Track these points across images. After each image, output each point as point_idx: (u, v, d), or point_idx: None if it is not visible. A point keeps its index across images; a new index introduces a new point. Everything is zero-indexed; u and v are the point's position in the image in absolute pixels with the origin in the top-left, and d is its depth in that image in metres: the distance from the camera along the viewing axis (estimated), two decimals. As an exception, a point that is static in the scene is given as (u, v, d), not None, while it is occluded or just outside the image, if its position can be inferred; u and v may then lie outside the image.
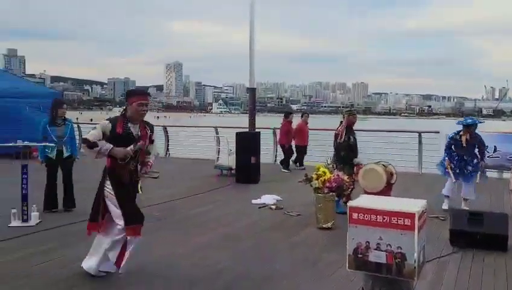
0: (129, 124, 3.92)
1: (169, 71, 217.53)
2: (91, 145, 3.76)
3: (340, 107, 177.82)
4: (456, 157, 6.87)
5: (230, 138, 10.63)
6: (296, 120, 12.09)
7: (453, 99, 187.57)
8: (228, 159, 10.20)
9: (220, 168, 10.39)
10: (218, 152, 11.57)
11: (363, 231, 2.80)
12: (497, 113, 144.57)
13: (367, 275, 2.86)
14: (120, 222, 3.86)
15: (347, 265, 2.85)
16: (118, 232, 3.90)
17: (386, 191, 6.70)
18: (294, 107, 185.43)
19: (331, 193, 5.66)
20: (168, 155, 14.19)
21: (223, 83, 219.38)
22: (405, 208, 2.76)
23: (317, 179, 5.82)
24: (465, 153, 6.83)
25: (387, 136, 13.61)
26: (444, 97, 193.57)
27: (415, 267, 2.65)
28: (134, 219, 3.91)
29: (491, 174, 10.57)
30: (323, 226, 5.63)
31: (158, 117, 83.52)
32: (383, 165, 6.98)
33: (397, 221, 2.71)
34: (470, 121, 6.96)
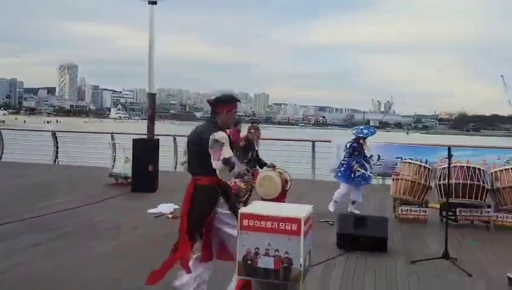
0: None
1: (63, 73, 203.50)
2: (234, 165, 3.29)
3: (243, 116, 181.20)
4: (357, 164, 7.28)
5: (127, 145, 10.22)
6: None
7: (345, 111, 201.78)
8: (124, 167, 9.78)
9: (115, 176, 9.91)
10: (114, 160, 11.05)
11: (253, 237, 2.83)
12: (383, 125, 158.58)
13: (257, 282, 2.90)
14: None
15: (237, 272, 2.86)
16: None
17: (281, 197, 6.94)
18: (197, 114, 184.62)
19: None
20: (56, 163, 13.19)
21: (123, 87, 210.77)
22: (292, 213, 2.85)
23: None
24: (362, 160, 7.33)
25: (285, 145, 14.15)
26: (337, 109, 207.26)
27: (300, 272, 2.75)
28: None
29: (375, 180, 11.54)
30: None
31: (49, 122, 77.60)
32: (279, 172, 7.22)
33: (284, 226, 2.79)
34: (367, 132, 7.48)
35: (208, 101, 3.59)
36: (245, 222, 2.84)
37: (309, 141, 12.42)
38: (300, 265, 2.75)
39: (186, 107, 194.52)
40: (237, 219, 3.03)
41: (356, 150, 7.34)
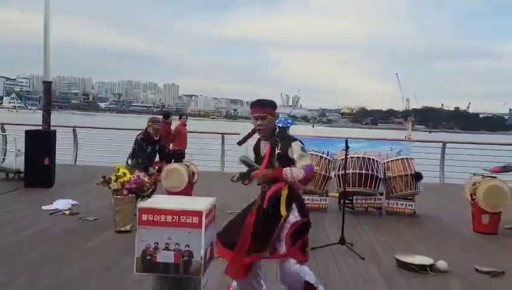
0: (261, 142, 3.43)
1: None
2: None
3: (151, 107, 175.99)
4: None
5: (19, 137, 9.40)
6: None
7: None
8: (16, 160, 9.00)
9: (6, 171, 9.08)
10: (4, 153, 10.11)
11: (152, 232, 2.75)
12: (291, 118, 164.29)
13: (156, 277, 2.83)
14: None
15: (135, 268, 2.76)
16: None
17: (188, 190, 6.87)
18: (102, 105, 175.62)
19: (130, 195, 5.48)
20: None
21: (17, 74, 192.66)
22: (193, 206, 2.82)
23: (116, 180, 5.56)
24: None
25: (194, 137, 14.01)
26: (248, 102, 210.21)
27: (201, 264, 2.73)
28: None
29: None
30: (121, 229, 5.41)
31: None
32: (185, 164, 7.13)
33: (185, 220, 2.75)
34: (291, 121, 7.73)
35: None
36: (144, 217, 2.75)
37: (219, 133, 12.43)
38: (201, 258, 2.73)
39: (89, 97, 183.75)
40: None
41: None
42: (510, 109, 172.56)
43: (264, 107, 3.31)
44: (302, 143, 3.25)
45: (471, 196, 6.42)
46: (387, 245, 5.51)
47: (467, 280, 4.35)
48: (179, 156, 11.06)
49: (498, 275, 4.49)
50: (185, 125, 11.23)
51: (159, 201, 3.00)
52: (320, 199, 7.45)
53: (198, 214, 2.75)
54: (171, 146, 10.76)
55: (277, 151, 3.24)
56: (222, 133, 12.14)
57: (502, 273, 4.53)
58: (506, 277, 4.48)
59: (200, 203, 2.93)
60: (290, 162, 3.19)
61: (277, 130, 3.35)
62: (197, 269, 2.73)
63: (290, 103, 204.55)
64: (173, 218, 2.75)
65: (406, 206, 7.28)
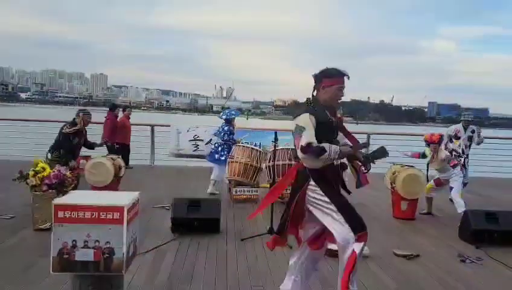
0: (326, 111, 3.17)
1: None
2: (319, 151, 2.97)
3: (77, 98, 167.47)
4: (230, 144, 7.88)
5: None
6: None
7: (189, 96, 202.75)
8: None
9: None
10: None
11: (69, 229, 2.62)
12: (225, 110, 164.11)
13: (74, 276, 2.70)
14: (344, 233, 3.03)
15: (51, 268, 2.62)
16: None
17: (114, 185, 6.64)
18: (23, 95, 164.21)
19: (50, 191, 5.17)
20: None
21: None
22: (114, 202, 2.72)
23: (34, 175, 5.22)
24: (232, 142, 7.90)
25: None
26: (181, 93, 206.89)
27: (123, 261, 2.65)
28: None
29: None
30: (41, 227, 5.10)
31: None
32: (111, 158, 6.87)
33: (106, 216, 2.65)
34: (235, 113, 8.27)
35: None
36: (60, 214, 2.61)
37: (148, 125, 12.10)
38: (123, 254, 2.65)
39: (8, 87, 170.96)
40: (332, 204, 3.07)
41: (232, 132, 8.00)
42: (429, 102, 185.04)
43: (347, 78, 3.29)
44: None
45: (391, 184, 6.81)
46: (314, 233, 5.68)
47: (385, 263, 4.62)
48: (124, 151, 10.62)
49: (414, 258, 4.82)
50: (129, 118, 10.95)
51: (76, 197, 2.86)
52: (251, 191, 7.53)
53: (120, 209, 2.66)
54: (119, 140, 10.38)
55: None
56: (151, 125, 11.83)
57: (417, 256, 4.86)
58: (421, 259, 4.81)
59: (121, 198, 2.83)
60: None
61: None
62: (119, 266, 2.65)
63: (224, 95, 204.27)
64: (92, 214, 2.63)
65: (332, 195, 7.55)
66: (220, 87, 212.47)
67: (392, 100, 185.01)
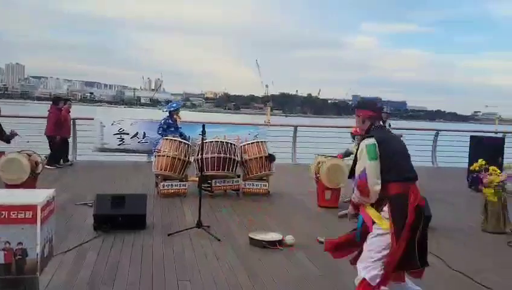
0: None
1: None
2: None
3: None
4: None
5: None
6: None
7: (115, 88, 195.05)
8: None
9: None
10: None
11: (-25, 232, 2.42)
12: (154, 103, 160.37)
13: (-18, 282, 2.51)
14: None
15: (-46, 275, 2.41)
16: None
17: (31, 182, 6.24)
18: None
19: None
20: None
21: None
22: (27, 200, 2.56)
23: None
24: (178, 133, 7.81)
25: (41, 123, 12.72)
26: (106, 85, 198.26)
27: (37, 262, 2.50)
28: None
29: (142, 157, 11.59)
30: None
31: None
32: (27, 154, 6.45)
33: (17, 215, 2.49)
34: (176, 105, 8.10)
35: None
36: (-37, 215, 2.40)
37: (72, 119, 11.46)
38: (37, 255, 2.50)
39: None
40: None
41: (172, 125, 7.88)
42: (353, 95, 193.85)
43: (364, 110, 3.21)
44: (372, 140, 2.96)
45: (316, 174, 7.05)
46: (242, 225, 5.76)
47: (309, 250, 4.78)
48: (64, 145, 10.27)
49: (336, 244, 5.04)
50: (69, 112, 10.48)
51: (-17, 196, 2.65)
52: (180, 184, 7.43)
53: (32, 208, 2.51)
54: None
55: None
56: (73, 119, 11.21)
57: (340, 242, 5.08)
58: (343, 245, 5.04)
59: (35, 195, 2.67)
60: None
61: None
62: (33, 268, 2.50)
63: (153, 87, 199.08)
64: (2, 214, 2.46)
65: (260, 186, 7.68)
66: (148, 78, 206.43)
67: (319, 93, 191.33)
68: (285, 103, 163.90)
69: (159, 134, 8.02)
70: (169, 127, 7.99)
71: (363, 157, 2.89)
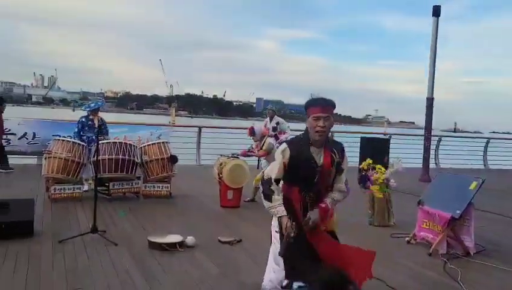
0: (311, 148, 2.83)
1: None
2: (264, 194, 2.87)
3: None
4: (87, 139, 7.34)
5: None
6: None
7: (2, 84, 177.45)
8: None
9: None
10: None
11: None
12: (47, 101, 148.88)
13: None
14: None
15: None
16: None
17: None
18: None
19: None
20: None
21: None
22: None
23: None
24: (93, 134, 7.18)
25: None
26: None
27: None
28: None
29: (32, 160, 10.70)
30: None
31: None
32: None
33: None
34: (94, 105, 7.59)
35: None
36: None
37: None
38: None
39: None
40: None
41: (85, 125, 7.45)
42: (257, 98, 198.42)
43: (329, 107, 2.86)
44: None
45: (219, 175, 7.09)
46: (141, 228, 5.58)
47: (210, 251, 4.78)
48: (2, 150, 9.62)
49: (237, 243, 5.11)
50: (2, 112, 9.72)
51: None
52: (74, 188, 6.99)
53: None
54: None
55: (336, 160, 2.89)
56: None
57: (240, 241, 5.17)
58: (243, 243, 5.13)
59: None
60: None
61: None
62: None
63: (46, 84, 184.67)
64: None
65: (162, 188, 7.50)
66: (41, 75, 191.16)
67: (224, 95, 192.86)
68: (190, 104, 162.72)
69: (73, 135, 7.56)
70: (84, 127, 7.47)
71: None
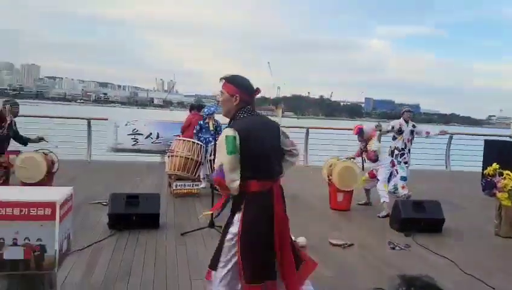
0: None
1: None
2: None
3: (6, 89, 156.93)
4: (204, 140, 7.85)
5: None
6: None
7: (128, 89, 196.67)
8: None
9: None
10: None
11: (-4, 227, 2.49)
12: (166, 104, 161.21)
13: (2, 276, 2.57)
14: None
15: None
16: None
17: (47, 180, 6.35)
18: None
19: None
20: None
21: None
22: (46, 197, 2.62)
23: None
24: (210, 136, 7.69)
25: (58, 123, 12.92)
26: (119, 86, 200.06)
27: (55, 258, 2.56)
28: None
29: (155, 158, 11.69)
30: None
31: None
32: (43, 153, 6.56)
33: (37, 212, 2.55)
34: (207, 110, 7.91)
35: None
36: (-15, 211, 2.47)
37: (84, 118, 11.64)
38: (55, 251, 2.56)
39: None
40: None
41: (203, 127, 7.97)
42: (365, 98, 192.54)
43: (222, 81, 2.78)
44: (233, 131, 2.58)
45: (328, 177, 7.05)
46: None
47: (321, 252, 4.79)
48: None
49: (348, 247, 5.05)
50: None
51: (4, 193, 2.72)
52: (192, 185, 7.49)
53: (51, 205, 2.56)
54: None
55: None
56: (88, 119, 11.39)
57: (352, 245, 5.09)
58: (355, 248, 5.05)
59: (53, 193, 2.73)
60: None
61: (238, 114, 2.72)
62: (51, 264, 2.56)
63: (166, 88, 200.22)
64: (21, 211, 2.52)
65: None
66: (161, 80, 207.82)
67: (331, 96, 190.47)
68: (296, 105, 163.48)
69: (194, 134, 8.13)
70: (202, 129, 8.03)
71: (222, 148, 2.56)
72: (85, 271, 3.92)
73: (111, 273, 3.92)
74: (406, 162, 7.09)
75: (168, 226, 5.50)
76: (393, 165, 7.01)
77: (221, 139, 2.57)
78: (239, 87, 2.72)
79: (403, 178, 6.95)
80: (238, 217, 2.65)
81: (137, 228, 5.18)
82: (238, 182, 2.57)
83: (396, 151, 7.13)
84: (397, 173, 6.99)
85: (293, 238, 4.90)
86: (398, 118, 7.36)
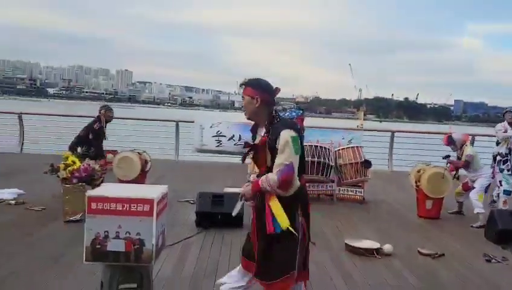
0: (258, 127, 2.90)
1: None
2: None
3: (103, 93, 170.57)
4: None
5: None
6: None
7: (211, 92, 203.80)
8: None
9: None
10: None
11: (102, 221, 2.71)
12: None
13: (106, 266, 2.79)
14: None
15: (84, 258, 2.72)
16: None
17: (141, 178, 6.78)
18: (51, 90, 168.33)
19: (80, 183, 5.33)
20: None
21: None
22: (144, 194, 2.79)
23: (64, 169, 5.39)
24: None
25: (148, 124, 13.77)
26: (203, 90, 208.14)
27: (152, 252, 2.73)
28: None
29: (236, 159, 11.97)
30: (71, 219, 5.26)
31: None
32: (138, 153, 7.03)
33: (136, 208, 2.73)
34: (288, 114, 7.75)
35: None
36: (93, 205, 2.70)
37: (173, 121, 12.27)
38: (153, 245, 2.73)
39: (36, 82, 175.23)
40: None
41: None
42: (455, 100, 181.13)
43: (242, 87, 2.88)
44: (296, 131, 2.67)
45: (416, 183, 6.73)
46: (337, 231, 5.70)
47: (409, 261, 4.59)
48: None
49: (438, 257, 4.78)
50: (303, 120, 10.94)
51: (108, 189, 2.95)
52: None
53: (150, 202, 2.73)
54: None
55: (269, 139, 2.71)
56: (176, 121, 11.99)
57: (442, 255, 4.82)
58: (446, 259, 4.77)
59: (151, 191, 2.90)
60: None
61: (274, 115, 2.78)
62: (149, 257, 2.72)
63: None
64: (123, 206, 2.71)
65: (355, 193, 7.53)
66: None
67: (417, 98, 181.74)
68: (379, 107, 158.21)
69: None
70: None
71: (290, 148, 2.58)
72: (176, 265, 4.13)
73: (199, 270, 4.09)
74: (509, 170, 6.52)
75: (249, 226, 5.59)
76: (494, 177, 6.44)
77: (287, 139, 2.62)
78: (258, 89, 2.81)
79: (507, 192, 6.39)
80: (297, 213, 2.75)
81: (222, 227, 5.35)
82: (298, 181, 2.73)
83: (499, 157, 6.59)
84: (500, 184, 6.44)
85: (378, 245, 4.78)
86: (492, 122, 6.82)
